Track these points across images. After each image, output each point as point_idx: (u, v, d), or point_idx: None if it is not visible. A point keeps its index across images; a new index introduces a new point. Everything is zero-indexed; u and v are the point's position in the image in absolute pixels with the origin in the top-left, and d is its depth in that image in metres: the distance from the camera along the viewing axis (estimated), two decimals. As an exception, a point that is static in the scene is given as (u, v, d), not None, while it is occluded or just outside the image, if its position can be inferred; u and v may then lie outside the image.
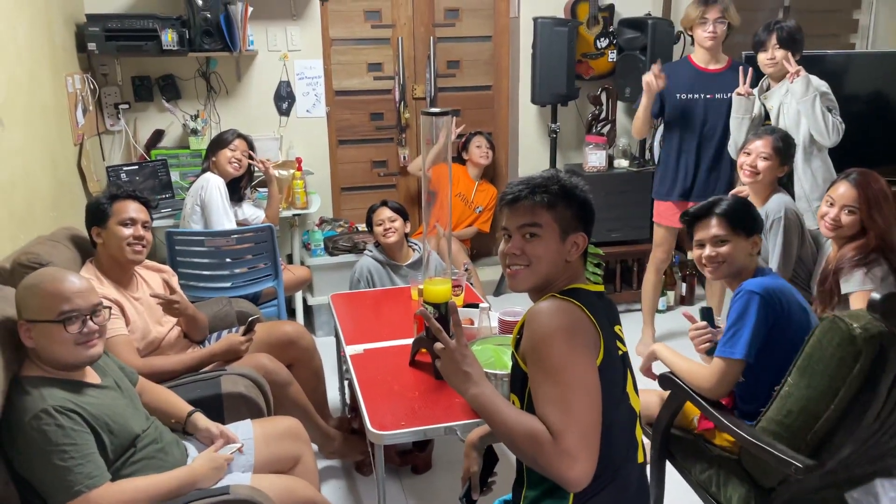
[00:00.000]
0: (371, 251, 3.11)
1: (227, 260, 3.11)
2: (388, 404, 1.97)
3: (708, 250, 1.99)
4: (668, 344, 2.18)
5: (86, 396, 1.67)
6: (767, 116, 3.09)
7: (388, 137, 4.49)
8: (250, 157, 3.36)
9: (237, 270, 3.15)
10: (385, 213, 3.02)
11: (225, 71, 3.97)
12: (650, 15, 4.18)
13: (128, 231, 2.25)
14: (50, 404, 1.57)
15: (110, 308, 1.83)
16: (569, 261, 1.48)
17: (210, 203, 3.13)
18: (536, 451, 1.28)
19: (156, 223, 2.48)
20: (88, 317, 1.67)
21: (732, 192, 2.94)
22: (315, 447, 2.46)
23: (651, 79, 3.17)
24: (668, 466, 2.08)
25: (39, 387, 1.61)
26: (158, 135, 3.93)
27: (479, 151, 4.25)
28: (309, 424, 2.38)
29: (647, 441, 1.79)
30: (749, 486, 1.81)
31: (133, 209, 2.29)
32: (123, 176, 3.63)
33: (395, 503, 2.52)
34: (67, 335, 1.63)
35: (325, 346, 3.13)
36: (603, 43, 4.17)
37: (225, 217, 3.15)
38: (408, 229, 3.09)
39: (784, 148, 2.67)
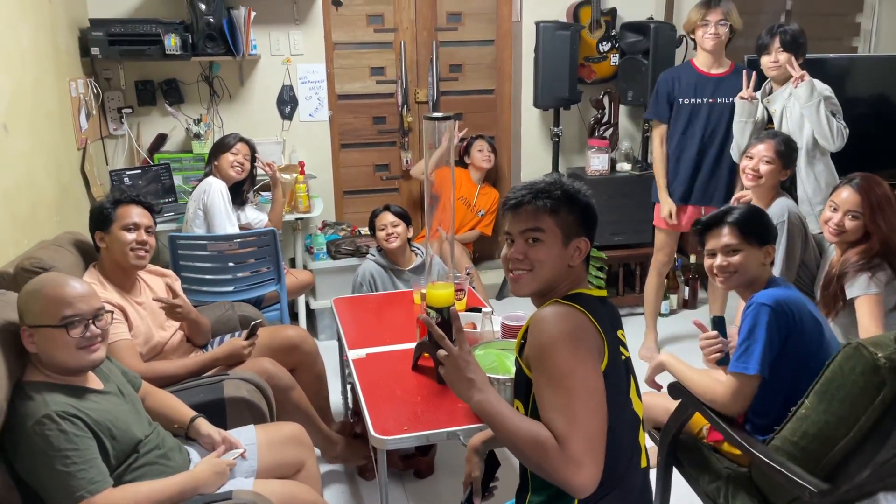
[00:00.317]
0: (374, 255, 3.10)
1: (230, 264, 3.12)
2: (390, 409, 1.97)
3: (719, 260, 1.94)
4: (671, 348, 2.17)
5: (88, 401, 1.67)
6: (770, 120, 3.09)
7: (391, 141, 4.49)
8: (255, 160, 3.37)
9: (240, 274, 3.15)
10: (387, 217, 3.01)
11: (228, 75, 3.97)
12: (652, 19, 4.18)
13: (131, 236, 2.25)
14: (53, 409, 1.57)
15: (112, 312, 1.83)
16: (571, 266, 1.47)
17: (213, 207, 3.14)
18: (542, 457, 1.28)
19: (159, 227, 2.48)
20: (91, 321, 1.67)
21: (734, 196, 2.94)
22: (317, 452, 2.46)
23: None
24: (675, 473, 2.07)
25: (42, 392, 1.61)
26: (161, 139, 3.94)
27: (480, 155, 4.25)
28: (311, 429, 2.38)
29: (650, 445, 1.79)
30: (758, 502, 1.79)
31: (136, 214, 2.29)
32: (126, 180, 3.63)
33: (397, 508, 2.52)
34: (70, 340, 1.63)
35: (327, 350, 3.13)
36: (605, 47, 4.17)
37: (227, 221, 3.16)
38: (410, 234, 3.08)
39: (787, 152, 2.66)
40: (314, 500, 1.95)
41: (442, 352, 1.39)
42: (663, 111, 3.37)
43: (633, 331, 3.25)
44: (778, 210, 2.59)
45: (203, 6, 3.59)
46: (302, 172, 3.79)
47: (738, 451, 1.86)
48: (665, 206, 3.39)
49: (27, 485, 1.60)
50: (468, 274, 3.21)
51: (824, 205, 2.42)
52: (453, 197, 2.91)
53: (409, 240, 3.09)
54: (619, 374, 1.42)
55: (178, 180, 3.85)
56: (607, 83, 4.25)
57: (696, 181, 3.37)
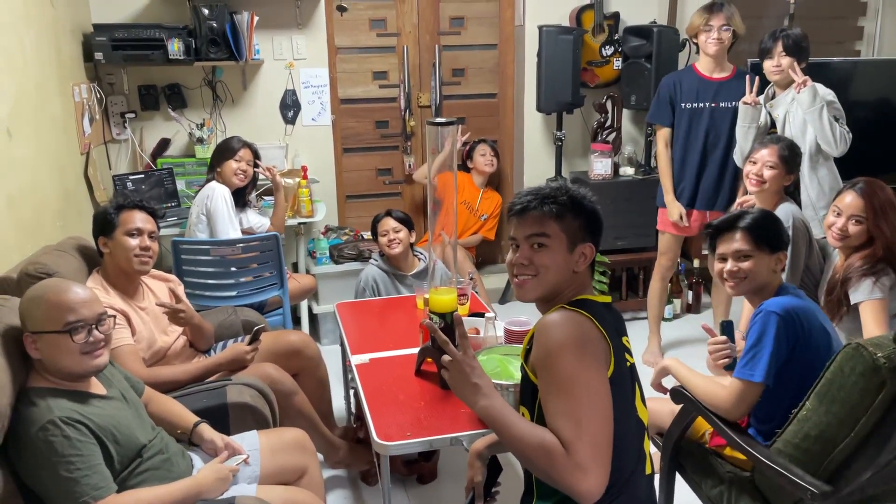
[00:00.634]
0: (376, 260, 3.10)
1: (233, 269, 3.12)
2: (393, 414, 1.97)
3: (730, 265, 1.93)
4: (675, 352, 2.16)
5: (92, 407, 1.67)
6: (773, 125, 3.08)
7: (394, 145, 4.49)
8: (256, 166, 3.37)
9: (242, 279, 3.15)
10: (390, 223, 2.99)
11: (231, 80, 3.98)
12: (655, 23, 4.18)
13: (134, 242, 2.25)
14: (56, 415, 1.57)
15: (115, 317, 1.84)
16: (576, 271, 1.47)
17: (215, 213, 3.14)
18: (548, 463, 1.27)
19: (161, 232, 2.49)
20: (93, 326, 1.68)
21: (738, 201, 2.93)
22: (320, 457, 2.46)
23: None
24: (678, 478, 2.06)
25: (46, 398, 1.61)
26: (164, 143, 3.94)
27: (483, 160, 4.25)
28: (314, 434, 2.38)
29: (654, 451, 1.78)
30: (761, 506, 1.78)
31: (140, 219, 2.29)
32: (129, 185, 3.64)
33: (400, 513, 2.51)
34: (73, 345, 1.64)
35: (330, 355, 3.13)
36: (608, 51, 4.18)
37: (230, 226, 3.16)
38: (413, 239, 3.07)
39: (790, 156, 2.66)
40: (317, 505, 1.94)
41: (446, 357, 1.39)
42: (665, 115, 3.37)
43: (637, 335, 3.24)
44: (782, 215, 2.57)
45: (206, 11, 3.60)
46: (305, 177, 3.79)
47: (740, 456, 1.86)
48: (674, 209, 3.38)
49: (31, 490, 1.60)
50: (471, 279, 3.20)
51: (828, 209, 2.41)
52: (456, 201, 2.90)
53: (411, 245, 3.08)
54: (624, 381, 1.41)
55: (181, 185, 3.85)
56: (610, 87, 4.25)
57: (700, 186, 3.37)
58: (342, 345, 2.64)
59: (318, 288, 3.80)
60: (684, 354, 2.35)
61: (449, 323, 2.01)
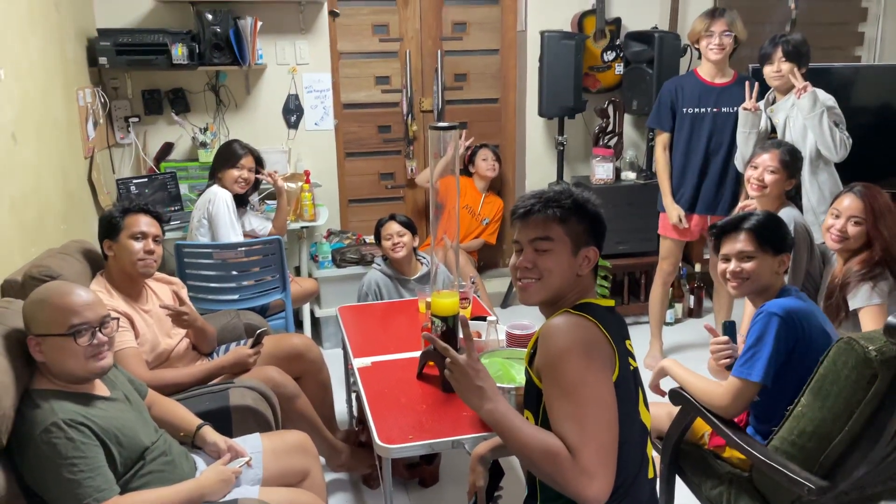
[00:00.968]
0: (379, 265, 3.11)
1: (234, 272, 3.12)
2: (395, 417, 1.97)
3: (733, 265, 1.94)
4: (676, 357, 2.17)
5: (95, 409, 1.67)
6: (774, 129, 3.09)
7: (396, 150, 4.51)
8: (257, 172, 3.37)
9: (245, 283, 3.16)
10: (393, 227, 3.00)
11: (234, 84, 4.00)
12: (657, 28, 4.19)
13: (138, 245, 2.26)
14: (60, 417, 1.58)
15: (118, 319, 1.84)
16: (580, 275, 1.48)
17: (217, 217, 3.15)
18: (554, 468, 1.27)
19: (165, 235, 2.50)
20: (97, 329, 1.68)
21: (739, 205, 2.94)
22: (322, 460, 2.46)
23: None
24: (678, 481, 2.07)
25: (50, 400, 1.62)
26: (168, 147, 3.96)
27: (485, 164, 4.26)
28: (316, 437, 2.38)
29: (656, 455, 1.78)
30: (760, 505, 1.79)
31: (144, 223, 2.30)
32: (133, 189, 3.65)
33: (402, 517, 2.52)
34: (77, 348, 1.64)
35: (332, 359, 3.13)
36: (610, 56, 4.19)
37: (232, 231, 3.17)
38: (416, 243, 3.08)
39: (791, 161, 2.67)
40: (319, 508, 1.95)
41: (451, 358, 1.39)
42: (665, 120, 3.38)
43: (638, 340, 3.23)
44: (784, 220, 2.59)
45: (210, 16, 3.62)
46: (307, 181, 3.80)
47: (739, 456, 1.87)
48: (673, 211, 3.39)
49: (34, 492, 1.60)
50: (473, 282, 3.21)
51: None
52: (458, 205, 2.91)
53: (414, 249, 3.09)
54: (628, 385, 1.42)
55: (184, 189, 3.87)
56: (612, 92, 4.26)
57: (702, 190, 3.37)
58: (344, 348, 2.65)
59: (321, 291, 3.81)
60: (686, 358, 2.36)
61: (451, 326, 2.02)
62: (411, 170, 4.48)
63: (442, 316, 2.03)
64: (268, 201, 3.81)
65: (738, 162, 3.16)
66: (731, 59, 3.35)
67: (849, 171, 2.91)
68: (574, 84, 3.96)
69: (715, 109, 3.29)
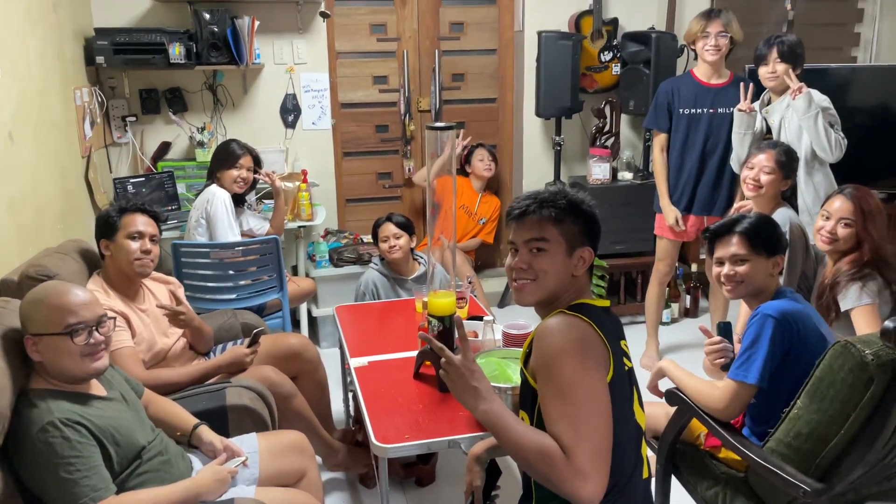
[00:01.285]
0: (376, 265, 3.11)
1: (231, 272, 3.12)
2: (392, 417, 1.98)
3: (727, 268, 1.95)
4: (672, 356, 2.18)
5: (92, 408, 1.68)
6: (769, 130, 3.10)
7: (394, 149, 4.51)
8: (255, 173, 3.37)
9: (242, 282, 3.16)
10: (390, 228, 2.99)
11: (231, 84, 4.00)
12: (654, 29, 4.20)
13: (135, 245, 2.26)
14: (56, 417, 1.58)
15: (115, 319, 1.85)
16: (575, 275, 1.48)
17: (215, 217, 3.15)
18: (548, 468, 1.28)
19: (162, 235, 2.50)
20: (94, 328, 1.68)
21: (734, 206, 2.95)
22: (319, 460, 2.46)
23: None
24: (674, 481, 2.08)
25: (46, 399, 1.62)
26: (165, 147, 3.96)
27: (481, 164, 4.27)
28: (313, 437, 2.38)
29: (651, 455, 1.79)
30: (755, 506, 1.80)
31: (141, 223, 2.30)
32: (130, 188, 3.65)
33: (398, 516, 2.52)
34: (74, 347, 1.64)
35: (329, 358, 3.14)
36: (607, 56, 4.20)
37: (230, 231, 3.17)
38: (413, 243, 3.08)
39: (787, 162, 2.68)
40: (316, 508, 1.95)
41: (447, 361, 1.39)
42: (662, 121, 3.39)
43: (635, 340, 3.24)
44: (779, 220, 2.57)
45: (207, 15, 3.62)
46: (305, 181, 3.81)
47: (735, 457, 1.88)
48: (670, 212, 3.40)
49: (31, 492, 1.61)
50: (470, 282, 3.21)
51: (819, 216, 2.43)
52: (455, 205, 2.91)
53: (411, 249, 3.09)
54: (623, 385, 1.42)
55: (181, 188, 3.87)
56: (609, 92, 4.27)
57: (698, 191, 3.38)
58: (341, 348, 2.65)
59: (318, 291, 3.81)
60: (682, 359, 2.37)
61: (448, 326, 2.02)
62: (409, 169, 4.48)
63: (439, 316, 2.04)
64: (265, 201, 3.81)
65: (734, 163, 3.17)
66: (728, 59, 3.35)
67: (844, 172, 2.92)
68: (571, 84, 3.97)
69: (711, 110, 3.30)
